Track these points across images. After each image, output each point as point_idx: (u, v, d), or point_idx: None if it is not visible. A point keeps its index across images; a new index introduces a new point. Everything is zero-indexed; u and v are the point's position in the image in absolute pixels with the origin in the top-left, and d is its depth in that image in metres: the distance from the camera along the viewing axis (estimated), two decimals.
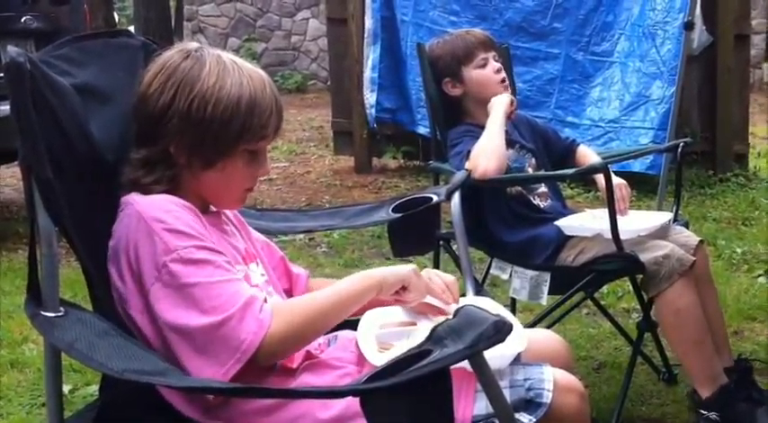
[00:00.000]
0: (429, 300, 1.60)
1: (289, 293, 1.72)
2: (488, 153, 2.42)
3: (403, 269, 1.54)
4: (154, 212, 1.40)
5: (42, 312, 1.33)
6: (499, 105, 2.53)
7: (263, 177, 1.61)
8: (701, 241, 2.52)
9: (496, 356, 1.43)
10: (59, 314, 1.33)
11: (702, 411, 2.37)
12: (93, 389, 2.69)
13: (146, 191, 1.47)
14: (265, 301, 1.41)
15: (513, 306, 2.93)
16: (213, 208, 1.59)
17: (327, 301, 1.45)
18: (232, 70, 1.47)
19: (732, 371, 2.42)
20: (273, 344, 1.36)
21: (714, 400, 2.35)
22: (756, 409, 2.34)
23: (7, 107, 4.58)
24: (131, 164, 1.48)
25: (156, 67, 1.48)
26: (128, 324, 1.41)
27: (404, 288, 1.54)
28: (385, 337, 1.59)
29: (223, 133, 1.46)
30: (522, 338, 1.51)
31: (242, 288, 1.39)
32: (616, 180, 2.46)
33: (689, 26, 3.78)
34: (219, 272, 1.38)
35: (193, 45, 1.51)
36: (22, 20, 4.72)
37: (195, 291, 1.35)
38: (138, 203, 1.43)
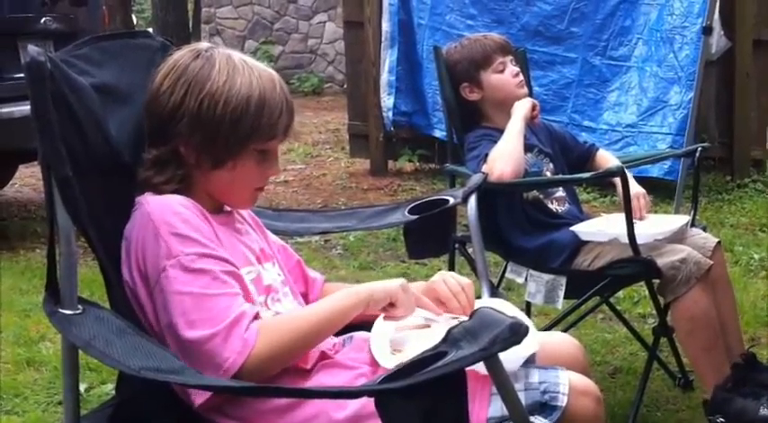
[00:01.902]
0: (419, 313, 1.59)
1: (305, 297, 1.72)
2: (506, 157, 2.42)
3: (391, 284, 1.51)
4: (162, 214, 1.41)
5: (60, 310, 1.33)
6: (520, 109, 2.53)
7: (277, 179, 1.62)
8: (718, 243, 2.50)
9: (509, 358, 1.43)
10: (77, 312, 1.33)
11: (710, 417, 2.37)
12: (109, 387, 2.71)
13: (157, 191, 1.47)
14: (256, 317, 1.40)
15: (528, 310, 2.93)
16: (227, 208, 1.60)
17: (314, 318, 1.45)
18: (242, 70, 1.47)
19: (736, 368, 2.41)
20: (257, 363, 1.36)
21: (713, 403, 2.34)
22: (750, 403, 2.31)
23: (24, 107, 4.60)
24: (143, 164, 1.49)
25: (167, 67, 1.49)
26: (141, 322, 1.42)
27: (391, 304, 1.51)
28: (400, 339, 1.58)
29: (233, 132, 1.46)
30: (534, 340, 1.51)
31: (234, 303, 1.38)
32: (634, 188, 2.45)
33: (707, 31, 3.76)
34: (215, 284, 1.38)
35: (204, 45, 1.51)
36: (42, 21, 4.76)
37: (186, 300, 1.36)
38: (148, 204, 1.44)
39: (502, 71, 2.60)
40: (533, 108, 2.58)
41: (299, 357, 1.47)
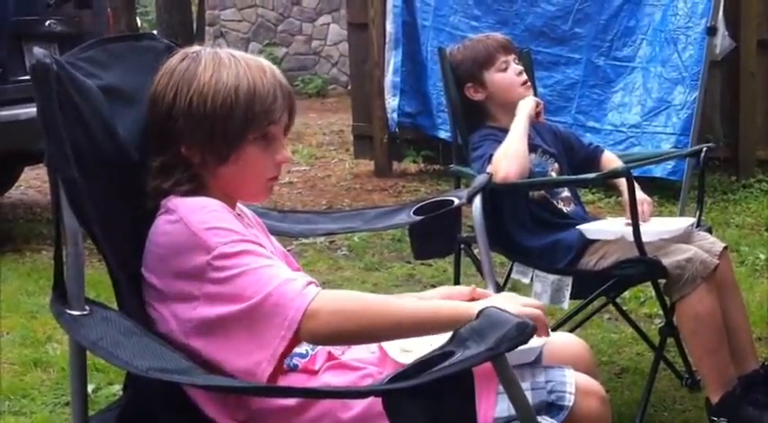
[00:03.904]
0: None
1: None
2: (510, 157, 2.42)
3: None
4: (192, 213, 1.41)
5: (68, 311, 1.33)
6: (524, 109, 2.53)
7: (281, 180, 1.62)
8: (724, 247, 2.50)
9: (518, 351, 1.43)
10: (85, 313, 1.34)
11: (713, 418, 2.37)
12: (117, 388, 2.71)
13: (171, 195, 1.47)
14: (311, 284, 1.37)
15: None
16: (236, 209, 1.60)
17: (385, 307, 1.37)
18: (228, 63, 1.47)
19: (751, 377, 2.41)
20: (318, 319, 1.32)
21: (721, 406, 2.34)
22: (764, 413, 2.32)
23: (29, 109, 4.58)
24: (150, 172, 1.49)
25: (159, 74, 1.50)
26: (157, 325, 1.42)
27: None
28: (407, 341, 1.58)
29: (228, 125, 1.46)
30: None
31: (283, 270, 1.38)
32: (639, 195, 2.44)
33: (711, 31, 3.75)
34: (261, 259, 1.38)
35: (194, 47, 1.52)
36: (47, 23, 4.77)
37: (239, 281, 1.35)
38: (176, 207, 1.43)
39: (505, 70, 2.61)
40: (537, 106, 2.58)
41: (362, 335, 1.38)
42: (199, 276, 1.37)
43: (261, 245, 1.43)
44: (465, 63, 2.64)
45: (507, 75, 2.61)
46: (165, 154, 1.48)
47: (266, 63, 1.51)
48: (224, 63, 1.47)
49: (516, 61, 2.65)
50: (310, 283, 1.37)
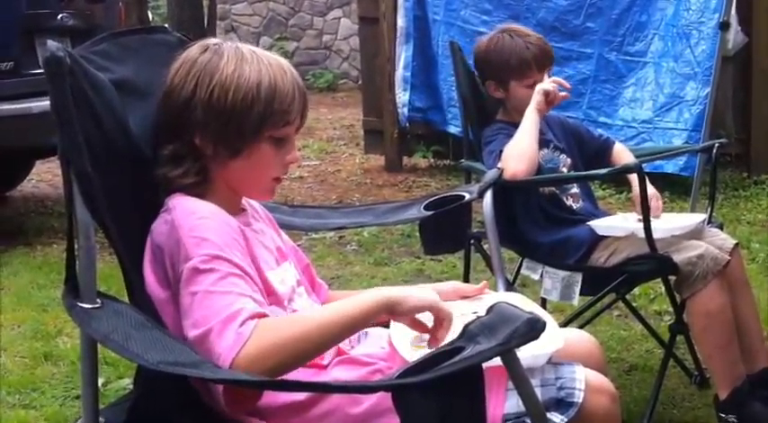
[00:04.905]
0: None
1: None
2: (519, 154, 2.41)
3: (426, 294, 1.40)
4: (186, 218, 1.41)
5: (79, 304, 1.34)
6: (533, 101, 2.49)
7: (291, 175, 1.62)
8: (736, 244, 2.49)
9: (535, 355, 1.43)
10: (96, 306, 1.34)
11: (722, 414, 2.37)
12: (126, 382, 2.72)
13: (176, 185, 1.48)
14: (260, 316, 1.32)
15: (543, 306, 2.91)
16: (244, 204, 1.60)
17: (322, 320, 1.35)
18: (250, 58, 1.48)
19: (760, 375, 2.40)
20: (250, 360, 1.27)
21: (729, 403, 2.34)
22: None
23: (41, 103, 4.59)
24: (160, 160, 1.50)
25: (177, 63, 1.50)
26: (162, 317, 1.43)
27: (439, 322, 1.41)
28: (417, 336, 1.58)
29: (246, 120, 1.47)
30: (558, 337, 1.50)
31: (236, 301, 1.33)
32: (649, 190, 2.43)
33: (724, 26, 3.73)
34: (222, 283, 1.34)
35: (212, 40, 1.53)
36: (59, 17, 4.78)
37: (193, 300, 1.34)
38: (174, 208, 1.44)
39: (532, 87, 2.51)
40: (547, 95, 2.48)
41: (300, 360, 1.35)
42: (177, 281, 1.38)
43: (237, 265, 1.38)
44: (495, 64, 2.57)
45: (531, 92, 2.50)
46: (176, 143, 1.49)
47: (286, 63, 1.53)
48: (246, 58, 1.48)
49: (550, 73, 2.57)
50: (254, 315, 1.31)
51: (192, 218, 1.42)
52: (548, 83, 2.50)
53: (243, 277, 1.38)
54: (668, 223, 2.49)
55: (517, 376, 1.25)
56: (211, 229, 1.41)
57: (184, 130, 1.48)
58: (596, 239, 2.47)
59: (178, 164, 1.48)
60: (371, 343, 1.62)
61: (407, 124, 6.13)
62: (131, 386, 1.78)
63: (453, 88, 4.74)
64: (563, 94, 2.53)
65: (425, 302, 1.40)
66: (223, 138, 1.48)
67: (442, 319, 1.41)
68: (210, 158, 1.50)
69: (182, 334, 1.37)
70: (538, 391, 1.41)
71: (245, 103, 1.46)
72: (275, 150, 1.52)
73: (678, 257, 2.30)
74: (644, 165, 2.44)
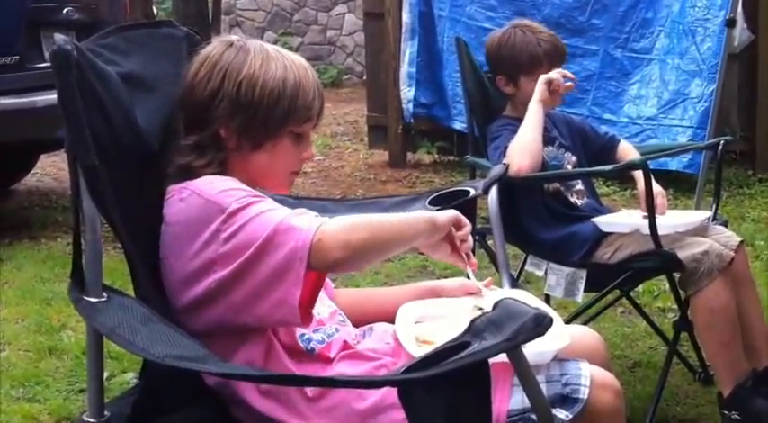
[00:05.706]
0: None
1: None
2: (523, 150, 2.40)
3: (446, 213, 1.57)
4: (205, 185, 1.45)
5: (85, 297, 1.34)
6: (536, 93, 2.46)
7: (304, 165, 1.64)
8: (741, 241, 2.49)
9: (541, 352, 1.43)
10: (102, 299, 1.34)
11: (725, 411, 2.37)
12: (131, 376, 2.72)
13: (196, 175, 1.50)
14: None
15: (547, 303, 2.92)
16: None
17: (390, 217, 1.49)
18: (275, 55, 1.54)
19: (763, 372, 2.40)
20: (333, 230, 1.35)
21: (733, 400, 2.34)
22: None
23: (46, 97, 4.57)
24: (181, 150, 1.52)
25: (201, 58, 1.53)
26: (177, 308, 1.43)
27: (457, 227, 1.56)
28: (422, 331, 1.58)
29: (271, 114, 1.51)
30: (564, 334, 1.50)
31: (289, 210, 1.41)
32: (654, 187, 2.43)
33: (730, 23, 3.72)
34: (268, 204, 1.42)
35: (234, 37, 1.57)
36: (64, 11, 4.78)
37: (248, 227, 1.38)
38: (188, 186, 1.47)
39: None
40: (550, 84, 2.46)
41: (378, 245, 1.41)
42: (215, 240, 1.39)
43: (270, 202, 1.45)
44: (506, 59, 2.57)
45: None
46: (200, 134, 1.52)
47: (306, 63, 1.58)
48: (272, 56, 1.53)
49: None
50: (316, 216, 1.41)
51: (210, 184, 1.46)
52: (544, 79, 2.48)
53: (280, 206, 1.44)
54: (673, 220, 2.48)
55: (523, 372, 1.25)
56: (235, 187, 1.45)
57: (209, 121, 1.51)
58: (601, 236, 2.47)
59: (202, 154, 1.52)
60: (377, 338, 1.62)
61: (412, 120, 6.12)
62: (135, 380, 1.78)
63: (458, 84, 4.73)
64: (568, 84, 2.52)
65: (452, 214, 1.56)
66: (247, 130, 1.52)
67: (464, 225, 1.57)
68: (233, 150, 1.53)
69: (230, 289, 1.39)
70: (543, 387, 1.42)
71: (272, 98, 1.51)
72: (294, 145, 1.56)
73: (683, 254, 2.30)
74: (649, 162, 2.44)
